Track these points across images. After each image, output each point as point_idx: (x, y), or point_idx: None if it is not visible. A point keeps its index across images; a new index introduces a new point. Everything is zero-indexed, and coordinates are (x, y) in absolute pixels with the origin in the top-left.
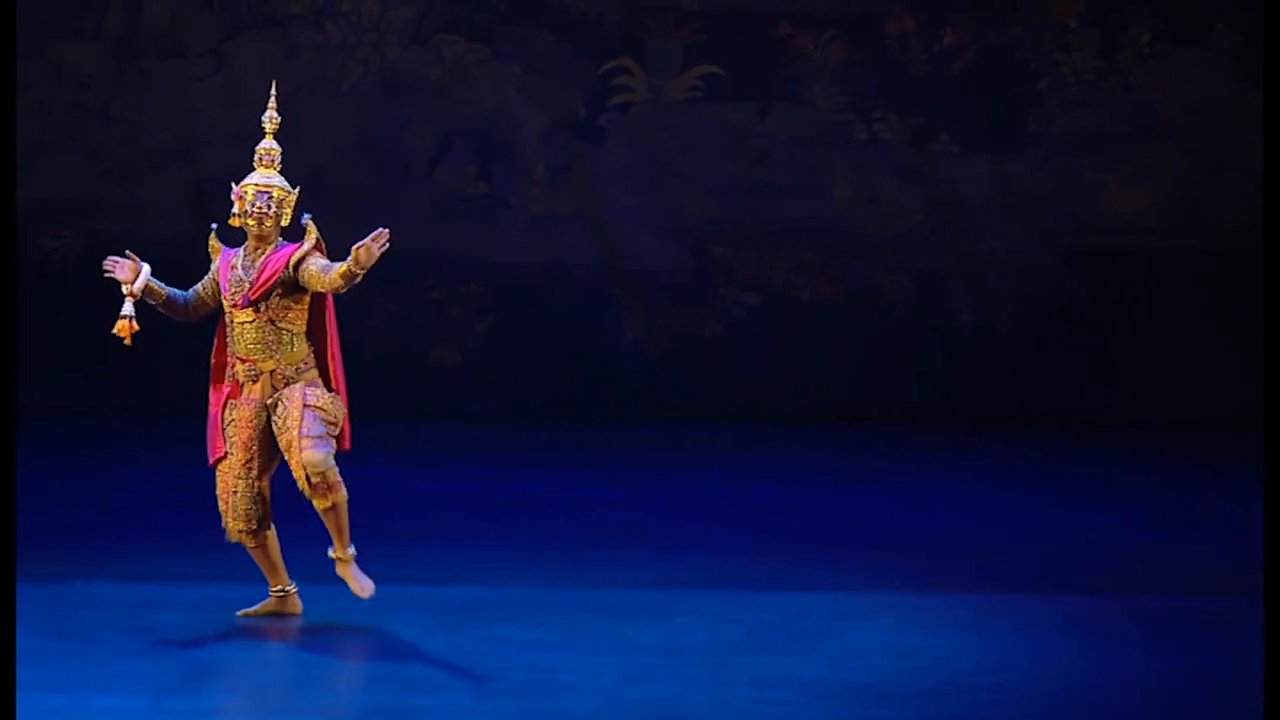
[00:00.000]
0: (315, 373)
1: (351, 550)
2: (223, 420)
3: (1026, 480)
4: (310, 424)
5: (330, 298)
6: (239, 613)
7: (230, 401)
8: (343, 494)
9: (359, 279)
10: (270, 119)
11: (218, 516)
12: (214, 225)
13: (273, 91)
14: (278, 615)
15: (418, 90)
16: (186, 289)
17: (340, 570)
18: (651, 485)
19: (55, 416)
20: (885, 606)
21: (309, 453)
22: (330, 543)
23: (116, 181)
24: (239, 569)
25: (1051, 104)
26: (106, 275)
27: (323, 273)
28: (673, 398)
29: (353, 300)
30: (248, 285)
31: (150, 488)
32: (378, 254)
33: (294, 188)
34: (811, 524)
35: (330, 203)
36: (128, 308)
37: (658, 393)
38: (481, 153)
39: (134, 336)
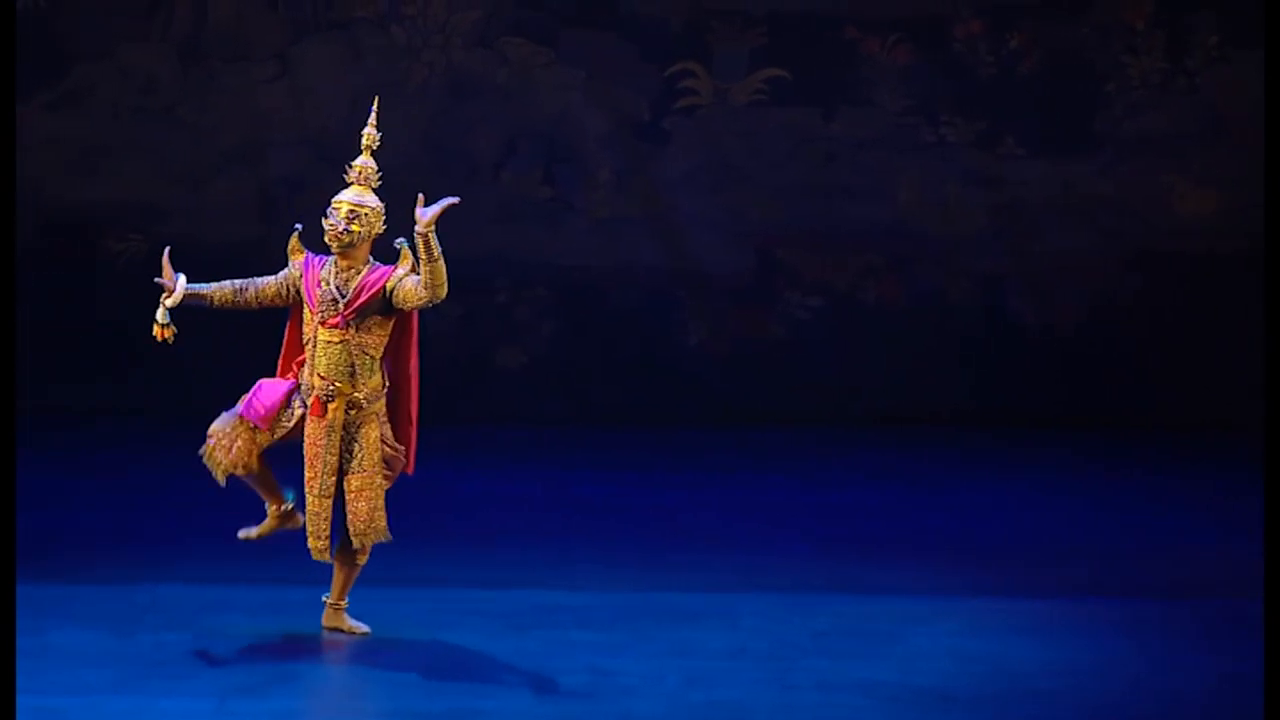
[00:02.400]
0: (383, 403)
1: (347, 600)
2: (288, 401)
3: (1091, 483)
4: (382, 478)
5: (415, 329)
6: (240, 533)
7: (302, 396)
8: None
9: (431, 247)
10: (369, 134)
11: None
12: (298, 226)
13: (374, 108)
14: (333, 629)
15: (483, 93)
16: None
17: (335, 619)
18: (715, 488)
19: (122, 417)
20: (950, 610)
21: (381, 521)
22: (327, 590)
23: (182, 185)
24: (303, 572)
25: (1118, 107)
26: (156, 282)
27: (417, 286)
28: (736, 400)
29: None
30: (342, 304)
31: (216, 490)
32: (435, 210)
33: (382, 204)
34: (875, 527)
35: (395, 205)
36: (162, 314)
37: (721, 395)
38: (546, 155)
39: (175, 338)
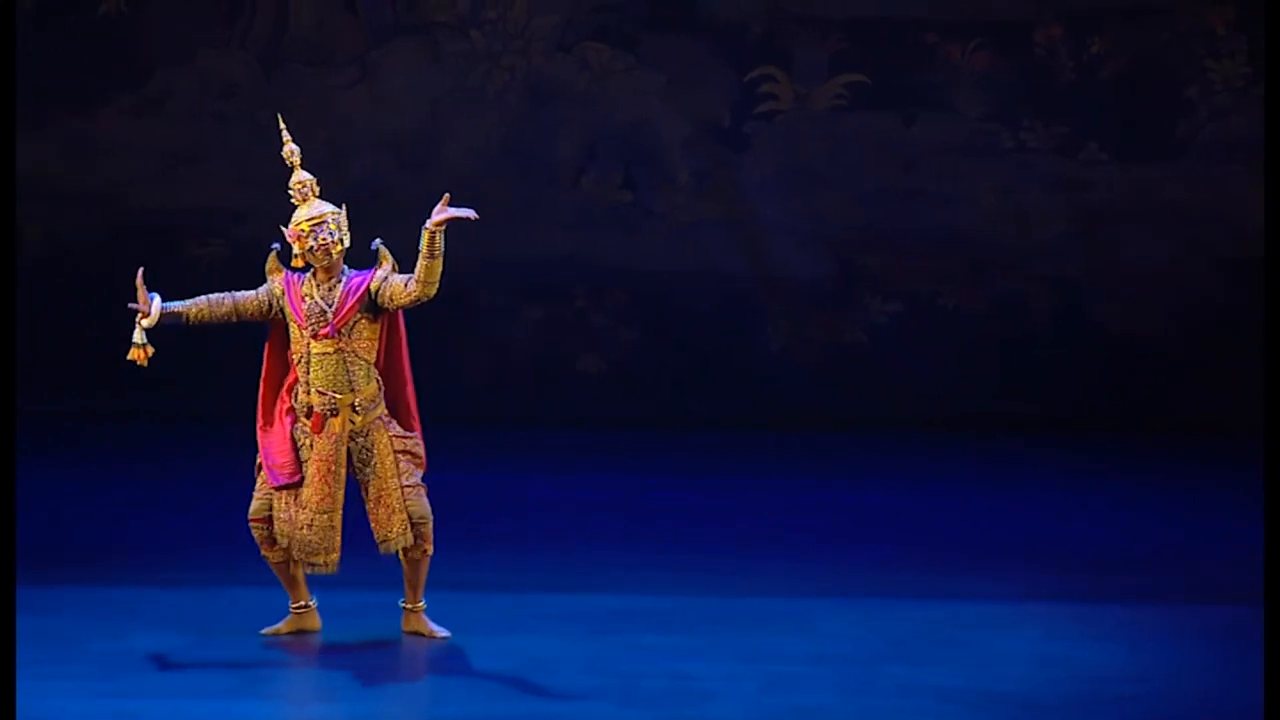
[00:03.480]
0: (384, 407)
1: (423, 603)
2: (295, 443)
3: (1171, 488)
4: (408, 470)
5: (402, 328)
6: (263, 631)
7: (300, 427)
8: (431, 545)
9: (437, 244)
10: (291, 151)
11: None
12: (275, 246)
13: (281, 125)
14: (300, 632)
15: (563, 98)
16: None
17: (414, 623)
18: (794, 493)
19: (209, 424)
20: (1030, 616)
21: (417, 504)
22: (402, 595)
23: (262, 190)
24: (381, 574)
25: (1200, 111)
26: (130, 307)
27: (406, 283)
28: (816, 405)
29: (498, 307)
30: (330, 314)
31: None
32: (451, 214)
33: (339, 206)
34: (955, 532)
35: (475, 209)
36: (139, 335)
37: (801, 400)
38: (626, 160)
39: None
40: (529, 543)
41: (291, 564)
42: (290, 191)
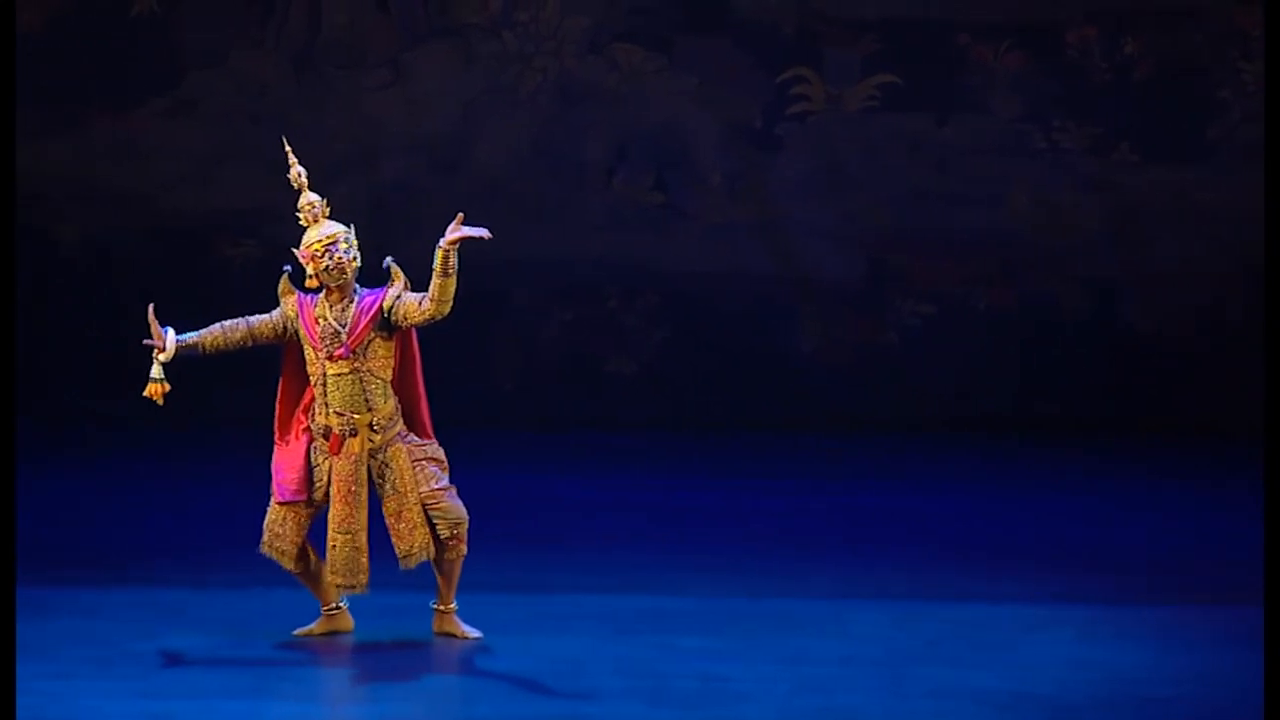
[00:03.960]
0: (402, 424)
1: (454, 604)
2: (309, 462)
3: (1205, 490)
4: (432, 476)
5: (415, 344)
6: (295, 632)
7: (318, 447)
8: (465, 547)
9: (451, 263)
10: (298, 174)
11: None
12: (287, 268)
13: (287, 148)
14: (333, 633)
15: (594, 99)
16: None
17: (446, 624)
18: (826, 494)
19: (243, 427)
20: (1064, 618)
21: (450, 506)
22: (433, 597)
23: (294, 191)
24: (414, 575)
25: (1233, 112)
26: (145, 344)
27: (420, 301)
28: (848, 406)
29: (529, 308)
30: (344, 334)
31: None
32: (465, 232)
33: (349, 225)
34: (988, 534)
35: (506, 211)
36: (156, 370)
37: (833, 401)
38: (657, 162)
39: (165, 397)
40: (559, 544)
41: (313, 567)
42: (299, 213)
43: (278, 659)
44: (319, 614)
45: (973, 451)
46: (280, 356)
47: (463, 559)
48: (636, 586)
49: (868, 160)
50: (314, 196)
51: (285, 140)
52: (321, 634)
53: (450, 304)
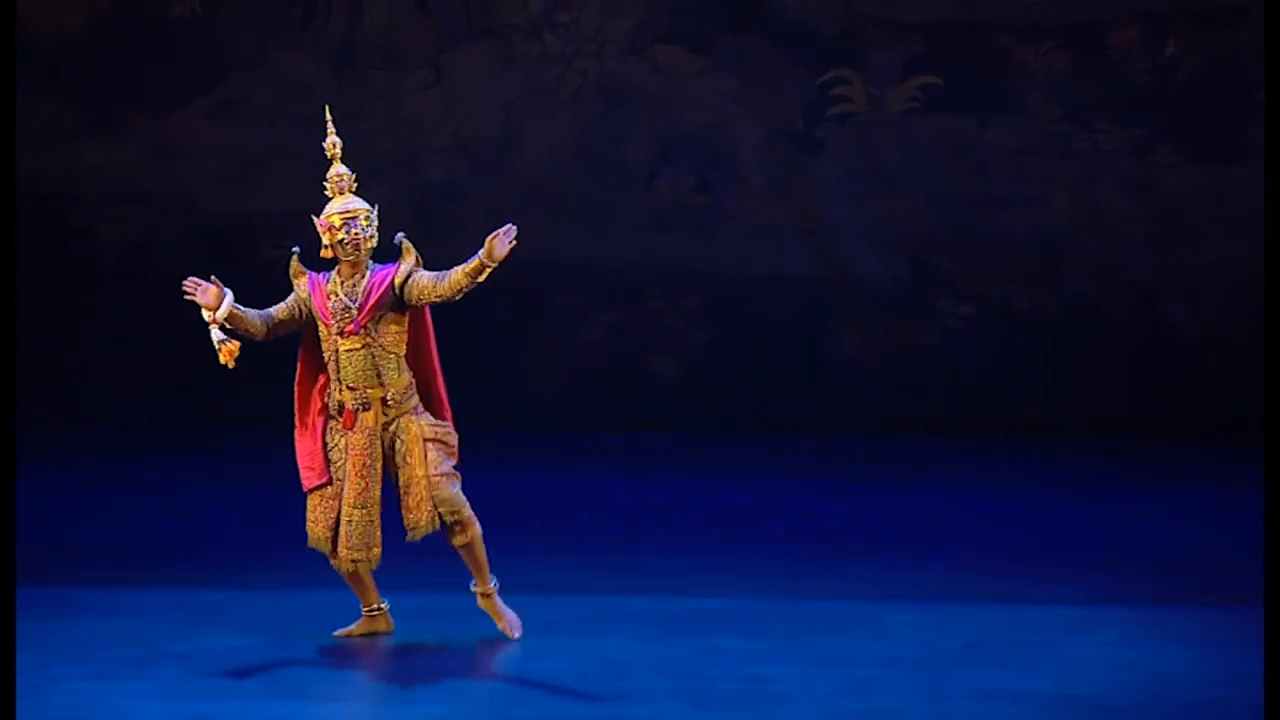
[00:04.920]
0: (417, 398)
1: (494, 583)
2: (325, 447)
3: (1247, 491)
4: (436, 460)
5: (429, 319)
6: (335, 633)
7: (333, 426)
8: (477, 528)
9: (486, 276)
10: (333, 144)
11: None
12: (296, 249)
13: (328, 116)
14: (373, 634)
15: (636, 101)
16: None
17: (485, 605)
18: (867, 495)
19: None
20: (1106, 619)
21: (441, 490)
22: (471, 579)
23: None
24: (455, 576)
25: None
26: (186, 297)
27: (435, 282)
28: (890, 408)
29: (571, 310)
30: (355, 311)
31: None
32: (508, 248)
33: (372, 205)
34: (1031, 536)
35: (548, 212)
36: (218, 333)
37: (875, 403)
38: (699, 163)
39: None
40: (602, 545)
41: (359, 569)
42: (326, 183)
43: (318, 660)
44: (359, 614)
45: (1013, 452)
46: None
47: (480, 539)
48: (679, 588)
49: (909, 161)
50: (344, 169)
51: (328, 109)
52: (361, 635)
53: (468, 290)
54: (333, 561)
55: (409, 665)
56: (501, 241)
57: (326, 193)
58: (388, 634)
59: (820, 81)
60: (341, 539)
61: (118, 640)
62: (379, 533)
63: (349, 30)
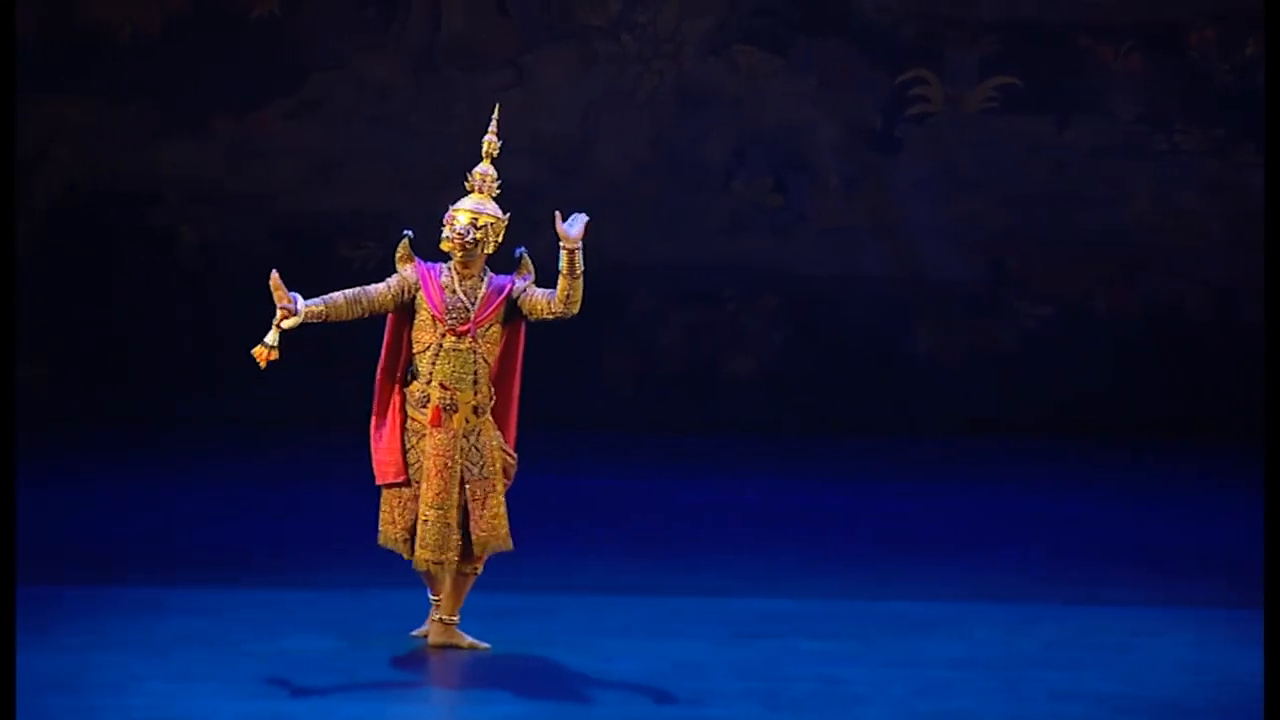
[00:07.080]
0: (490, 417)
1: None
2: (404, 447)
3: None
4: (502, 490)
5: (522, 343)
6: (412, 633)
7: (412, 427)
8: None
9: (578, 264)
10: (490, 142)
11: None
12: (408, 233)
13: (495, 115)
14: (444, 646)
15: (713, 101)
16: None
17: (447, 634)
18: (946, 496)
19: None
20: (1183, 621)
21: (503, 528)
22: (434, 603)
23: (415, 193)
24: (519, 578)
25: None
26: (271, 285)
27: (548, 297)
28: (967, 408)
29: (648, 311)
30: (473, 312)
31: None
32: (580, 226)
33: (505, 214)
34: (1108, 537)
35: (626, 213)
36: (273, 336)
37: (952, 403)
38: (776, 164)
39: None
40: (676, 547)
41: (433, 570)
42: (469, 177)
43: (395, 660)
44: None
45: (1090, 454)
46: (381, 331)
47: (477, 575)
48: (754, 589)
49: (987, 162)
50: (489, 169)
51: (498, 106)
52: (436, 639)
53: (579, 305)
54: (408, 557)
55: (485, 666)
56: (563, 221)
57: (466, 185)
58: (462, 644)
59: (898, 82)
60: (417, 539)
61: (197, 640)
62: (457, 536)
63: (428, 31)
